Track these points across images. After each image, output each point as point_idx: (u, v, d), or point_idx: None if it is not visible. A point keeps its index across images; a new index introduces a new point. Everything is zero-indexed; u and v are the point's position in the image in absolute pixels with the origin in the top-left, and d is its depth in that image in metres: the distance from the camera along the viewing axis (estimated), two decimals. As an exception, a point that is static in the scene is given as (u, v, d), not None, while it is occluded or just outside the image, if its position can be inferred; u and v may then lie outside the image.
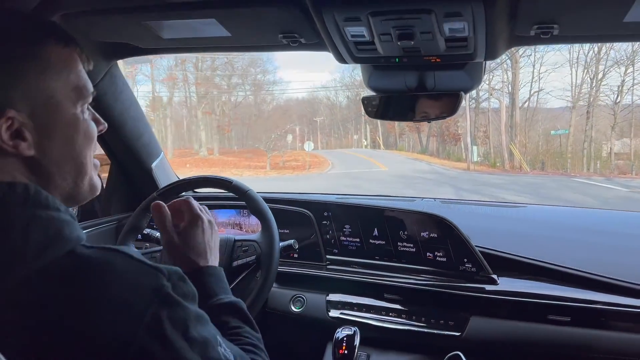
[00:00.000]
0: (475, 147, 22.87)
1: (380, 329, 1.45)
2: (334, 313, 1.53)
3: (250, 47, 1.33)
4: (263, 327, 1.62)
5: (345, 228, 1.66)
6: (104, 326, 0.55)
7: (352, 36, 1.05)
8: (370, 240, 1.62)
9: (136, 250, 0.65)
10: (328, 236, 1.68)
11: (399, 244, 1.57)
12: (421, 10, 0.92)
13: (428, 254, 1.52)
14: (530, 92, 25.49)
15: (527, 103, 25.32)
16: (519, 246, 1.50)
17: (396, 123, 33.84)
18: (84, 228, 1.73)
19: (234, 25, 1.13)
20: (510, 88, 24.93)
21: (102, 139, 1.73)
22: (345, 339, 1.32)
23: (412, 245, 1.54)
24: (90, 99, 0.71)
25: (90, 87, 0.71)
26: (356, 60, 1.19)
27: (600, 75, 22.71)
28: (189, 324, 0.61)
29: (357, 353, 1.31)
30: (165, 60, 29.25)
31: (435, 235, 1.50)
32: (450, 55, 1.13)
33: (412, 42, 1.03)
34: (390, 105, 1.34)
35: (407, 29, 0.99)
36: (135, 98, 1.69)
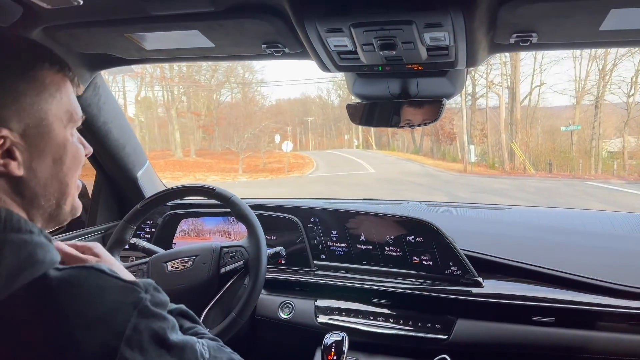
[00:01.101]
0: (472, 147, 21.02)
1: (368, 334, 1.46)
2: (322, 319, 1.53)
3: (234, 57, 1.33)
4: (252, 334, 1.64)
5: (332, 234, 1.67)
6: (85, 344, 0.56)
7: (335, 46, 1.06)
8: (357, 246, 1.63)
9: (107, 266, 0.65)
10: (315, 242, 1.69)
11: (385, 248, 1.58)
12: (402, 21, 0.94)
13: (414, 258, 1.53)
14: (531, 86, 23.28)
15: (527, 98, 23.43)
16: (503, 248, 1.52)
17: (388, 123, 33.95)
18: (71, 238, 1.72)
19: (218, 36, 1.14)
20: (509, 82, 23.00)
21: (86, 149, 1.72)
22: (333, 344, 1.33)
23: (398, 249, 1.56)
24: (79, 123, 0.73)
25: (80, 111, 0.73)
26: (339, 68, 1.20)
27: (609, 66, 20.24)
28: (167, 332, 0.63)
29: (345, 358, 1.32)
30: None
31: (421, 240, 1.52)
32: (432, 63, 1.15)
33: (394, 52, 1.04)
34: (375, 112, 1.35)
35: (389, 39, 1.00)
36: (119, 108, 1.68)
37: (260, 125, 26.66)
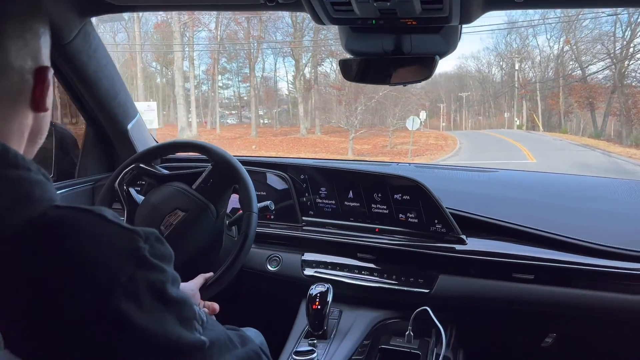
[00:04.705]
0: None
1: (352, 286, 1.50)
2: (308, 271, 1.57)
3: (228, 7, 1.32)
4: (239, 285, 1.67)
5: (321, 190, 1.69)
6: (79, 288, 0.54)
7: None
8: (345, 203, 1.65)
9: (111, 211, 0.64)
10: (304, 198, 1.71)
11: (372, 206, 1.60)
12: (397, -29, 0.93)
13: (400, 215, 1.56)
14: None
15: None
16: (488, 208, 1.55)
17: (561, 99, 27.49)
18: (60, 188, 1.73)
19: None
20: None
21: (77, 99, 1.71)
22: (318, 295, 1.37)
23: (385, 207, 1.58)
24: None
25: None
26: (333, 21, 1.19)
27: None
28: (165, 285, 0.61)
29: (329, 309, 1.37)
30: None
31: (408, 198, 1.54)
32: (426, 19, 1.14)
33: (389, 4, 1.04)
34: (368, 68, 1.35)
35: (384, -10, 1.00)
36: (110, 57, 1.66)
37: (377, 94, 20.93)
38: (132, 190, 1.46)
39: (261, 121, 28.47)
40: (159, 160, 1.84)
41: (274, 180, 1.74)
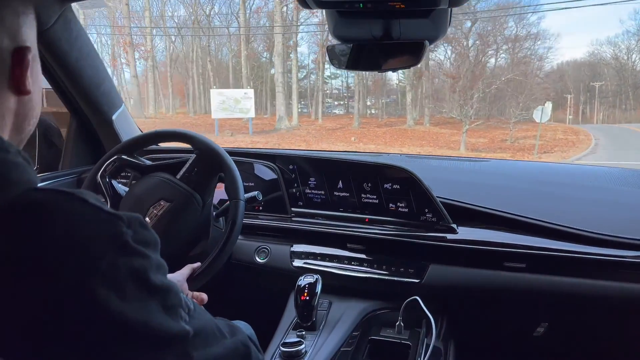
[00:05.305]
0: None
1: (342, 277, 1.48)
2: (297, 263, 1.54)
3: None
4: (228, 278, 1.65)
5: (310, 181, 1.66)
6: (56, 274, 0.52)
7: None
8: (335, 193, 1.63)
9: (94, 195, 0.60)
10: (293, 189, 1.68)
11: (362, 195, 1.58)
12: (383, -52, 0.90)
13: (390, 205, 1.54)
14: None
15: None
16: (479, 196, 1.53)
17: None
18: (43, 180, 1.69)
19: None
20: None
21: (59, 88, 1.66)
22: (307, 286, 1.34)
23: (375, 196, 1.56)
24: None
25: None
26: (319, 4, 1.16)
27: None
28: (149, 273, 0.58)
29: (318, 300, 1.34)
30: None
31: (398, 187, 1.52)
32: (414, 1, 1.12)
33: None
34: (358, 55, 1.33)
35: (370, -30, 0.97)
36: (92, 45, 1.62)
37: (498, 80, 18.97)
38: (114, 183, 1.43)
39: (368, 112, 27.71)
40: (143, 151, 1.80)
41: (263, 171, 1.71)
